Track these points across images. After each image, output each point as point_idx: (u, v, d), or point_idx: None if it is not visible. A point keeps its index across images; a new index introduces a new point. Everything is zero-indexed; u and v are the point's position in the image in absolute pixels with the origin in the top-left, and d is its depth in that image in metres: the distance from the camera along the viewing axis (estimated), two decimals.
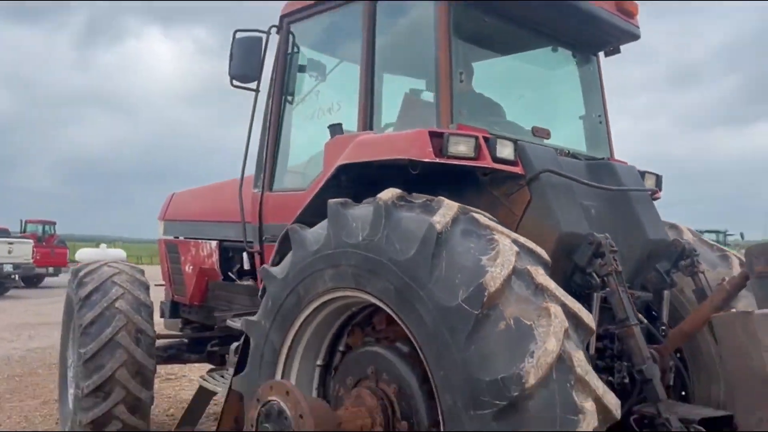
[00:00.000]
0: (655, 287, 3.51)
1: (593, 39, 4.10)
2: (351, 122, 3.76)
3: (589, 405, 2.21)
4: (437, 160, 2.95)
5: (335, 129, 3.71)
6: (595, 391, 2.27)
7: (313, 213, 3.25)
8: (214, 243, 4.99)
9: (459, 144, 2.99)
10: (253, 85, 4.26)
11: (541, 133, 3.72)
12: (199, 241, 5.16)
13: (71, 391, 5.01)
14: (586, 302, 2.85)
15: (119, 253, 33.92)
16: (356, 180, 3.30)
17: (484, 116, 3.70)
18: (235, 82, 4.21)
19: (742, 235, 33.92)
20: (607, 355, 3.00)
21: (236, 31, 4.13)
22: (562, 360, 2.23)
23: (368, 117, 3.63)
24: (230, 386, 3.53)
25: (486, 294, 2.28)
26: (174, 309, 5.44)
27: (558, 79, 4.34)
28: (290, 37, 4.18)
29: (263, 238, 4.10)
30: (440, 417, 2.41)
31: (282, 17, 4.21)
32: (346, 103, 3.93)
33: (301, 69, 4.24)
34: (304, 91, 4.29)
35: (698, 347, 3.55)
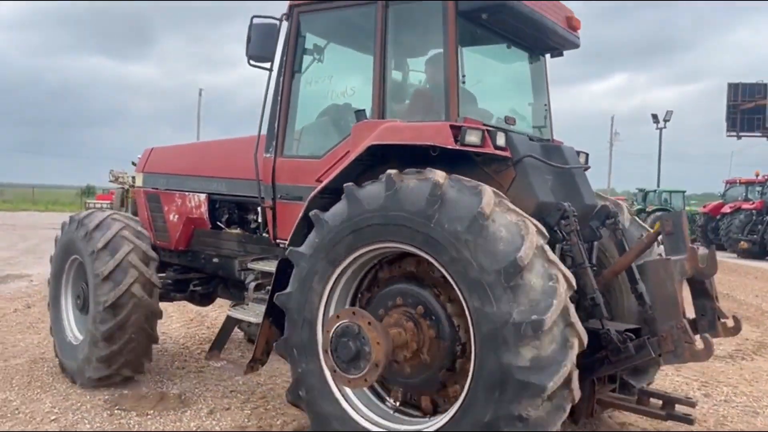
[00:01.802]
0: (587, 239, 4.41)
1: (544, 44, 5.02)
2: (361, 104, 4.52)
3: (575, 339, 3.37)
4: (456, 147, 3.84)
5: (360, 114, 4.41)
6: (575, 322, 3.38)
7: (345, 179, 4.02)
8: (203, 195, 5.70)
9: (471, 135, 3.88)
10: (267, 65, 4.74)
11: (510, 121, 4.64)
12: (186, 193, 5.85)
13: (76, 335, 5.86)
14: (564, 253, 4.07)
15: None
16: (380, 157, 4.11)
17: (469, 107, 4.44)
18: (252, 62, 4.69)
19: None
20: None
21: (253, 17, 4.60)
22: (565, 307, 3.35)
23: (382, 105, 4.34)
24: (266, 312, 4.33)
25: (520, 265, 3.28)
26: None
27: (513, 73, 5.23)
28: (299, 24, 4.77)
29: (277, 195, 4.80)
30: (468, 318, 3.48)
31: (291, 6, 4.76)
32: (359, 88, 4.67)
33: (309, 52, 4.84)
34: (316, 72, 4.89)
35: (614, 283, 4.81)
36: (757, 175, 26.76)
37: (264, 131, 4.81)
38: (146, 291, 5.35)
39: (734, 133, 37.09)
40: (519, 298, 3.30)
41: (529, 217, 3.56)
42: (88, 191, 52.51)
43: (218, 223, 5.73)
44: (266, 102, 4.82)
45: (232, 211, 5.69)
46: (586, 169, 4.98)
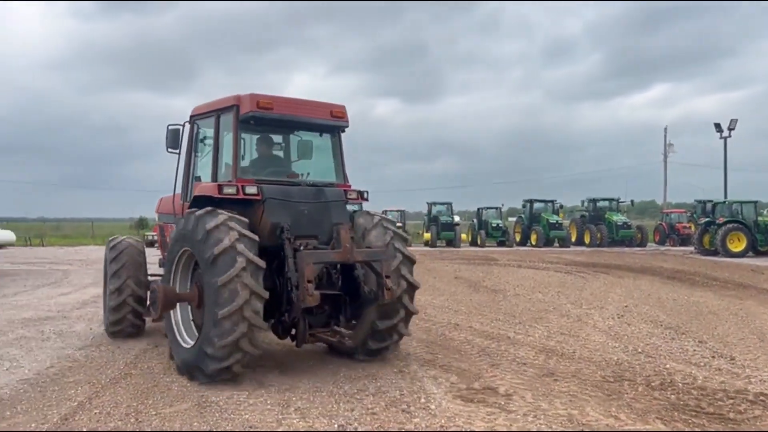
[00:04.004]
0: (328, 241, 6.94)
1: (327, 129, 7.60)
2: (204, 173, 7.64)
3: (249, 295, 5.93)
4: (218, 196, 6.63)
5: (198, 178, 7.71)
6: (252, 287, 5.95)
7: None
8: (172, 225, 8.02)
9: (229, 189, 6.64)
10: (176, 150, 7.76)
11: (292, 176, 7.38)
12: (169, 224, 8.48)
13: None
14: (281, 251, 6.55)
15: (8, 234, 33.89)
16: (201, 199, 6.87)
17: (261, 170, 7.29)
18: (169, 150, 7.71)
19: (632, 202, 42.35)
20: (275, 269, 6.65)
21: (168, 125, 7.69)
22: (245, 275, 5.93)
23: (215, 173, 7.18)
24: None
25: (215, 254, 5.94)
26: None
27: (318, 145, 7.73)
28: (195, 125, 7.83)
29: None
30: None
31: (192, 116, 7.79)
32: (206, 163, 7.57)
33: (200, 140, 7.85)
34: (202, 150, 7.87)
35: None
36: None
37: (178, 189, 8.01)
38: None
39: None
40: (217, 270, 5.91)
41: (241, 229, 6.15)
42: (141, 223, 53.52)
43: None
44: (178, 172, 7.95)
45: None
46: (354, 198, 7.46)
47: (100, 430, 4.79)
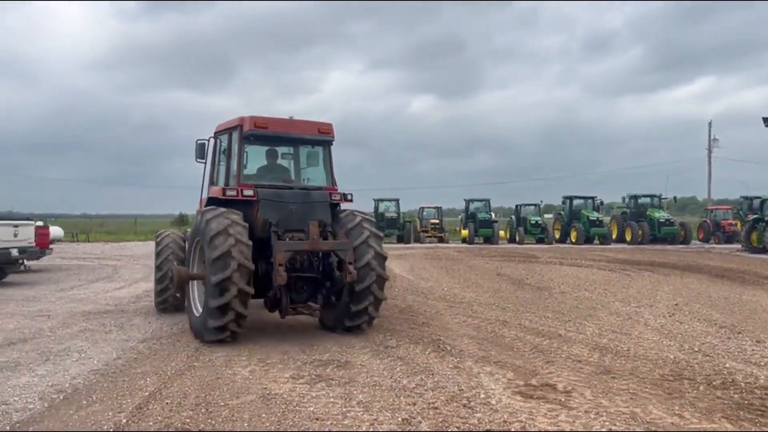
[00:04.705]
0: (324, 235, 8.50)
1: (315, 143, 9.27)
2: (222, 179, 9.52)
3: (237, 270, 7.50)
4: (223, 197, 8.39)
5: (216, 183, 9.40)
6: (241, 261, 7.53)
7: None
8: None
9: (231, 192, 8.34)
10: (203, 160, 9.69)
11: (288, 181, 9.07)
12: None
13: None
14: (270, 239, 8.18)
15: (58, 230, 34.87)
16: (213, 201, 8.71)
17: (264, 177, 9.01)
18: (197, 160, 9.56)
19: (675, 199, 41.30)
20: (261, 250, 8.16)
21: (197, 140, 9.56)
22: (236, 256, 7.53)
23: (227, 176, 9.03)
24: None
25: (215, 232, 7.55)
26: None
27: (311, 155, 9.40)
28: (217, 140, 9.54)
29: None
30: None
31: (230, 128, 9.01)
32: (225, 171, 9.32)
33: (221, 152, 9.35)
34: (221, 160, 9.42)
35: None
36: None
37: (204, 194, 9.70)
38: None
39: None
40: (213, 248, 7.45)
41: (233, 219, 7.73)
42: (182, 220, 54.55)
43: None
44: (204, 178, 9.90)
45: None
46: (338, 202, 8.97)
47: (174, 419, 4.98)
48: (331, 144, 9.24)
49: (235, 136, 8.74)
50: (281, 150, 9.35)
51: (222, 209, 7.88)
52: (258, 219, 8.34)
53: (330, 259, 8.35)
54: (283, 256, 7.73)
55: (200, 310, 8.02)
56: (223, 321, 7.47)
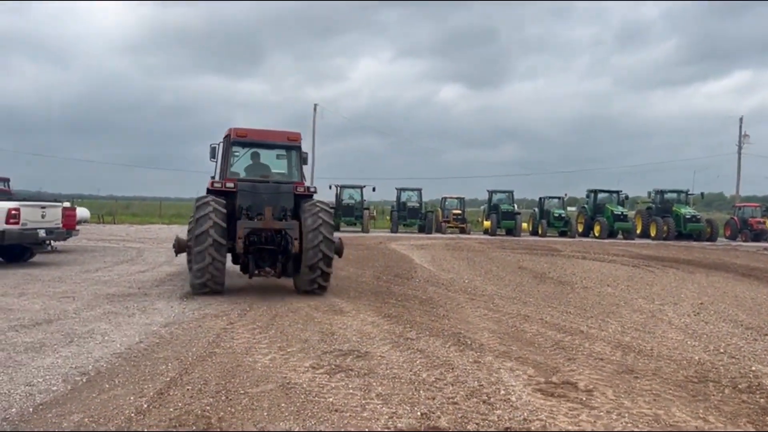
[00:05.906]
0: (279, 217, 11.22)
1: (285, 148, 12.14)
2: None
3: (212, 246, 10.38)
4: (212, 188, 11.17)
5: (213, 177, 11.94)
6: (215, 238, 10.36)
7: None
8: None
9: (218, 184, 11.22)
10: (215, 160, 11.98)
11: (265, 177, 11.84)
12: None
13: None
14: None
15: (84, 212, 35.33)
16: (215, 192, 11.19)
17: (248, 173, 11.97)
18: (211, 160, 11.89)
19: (702, 195, 41.51)
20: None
21: (210, 144, 12.00)
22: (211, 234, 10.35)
23: (221, 173, 11.98)
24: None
25: (199, 215, 10.42)
26: None
27: (281, 157, 12.26)
28: (220, 144, 11.98)
29: None
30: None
31: (225, 136, 11.81)
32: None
33: (232, 153, 11.79)
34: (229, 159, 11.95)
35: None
36: None
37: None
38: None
39: None
40: (197, 226, 10.27)
41: (215, 206, 10.34)
42: None
43: None
44: (215, 174, 11.94)
45: None
46: (302, 194, 11.42)
47: (194, 405, 5.01)
48: (299, 149, 11.98)
49: (226, 142, 11.72)
50: (262, 152, 12.20)
51: (210, 197, 10.50)
52: (236, 206, 11.16)
53: (287, 235, 10.92)
54: (243, 231, 10.59)
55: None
56: (202, 280, 10.31)
